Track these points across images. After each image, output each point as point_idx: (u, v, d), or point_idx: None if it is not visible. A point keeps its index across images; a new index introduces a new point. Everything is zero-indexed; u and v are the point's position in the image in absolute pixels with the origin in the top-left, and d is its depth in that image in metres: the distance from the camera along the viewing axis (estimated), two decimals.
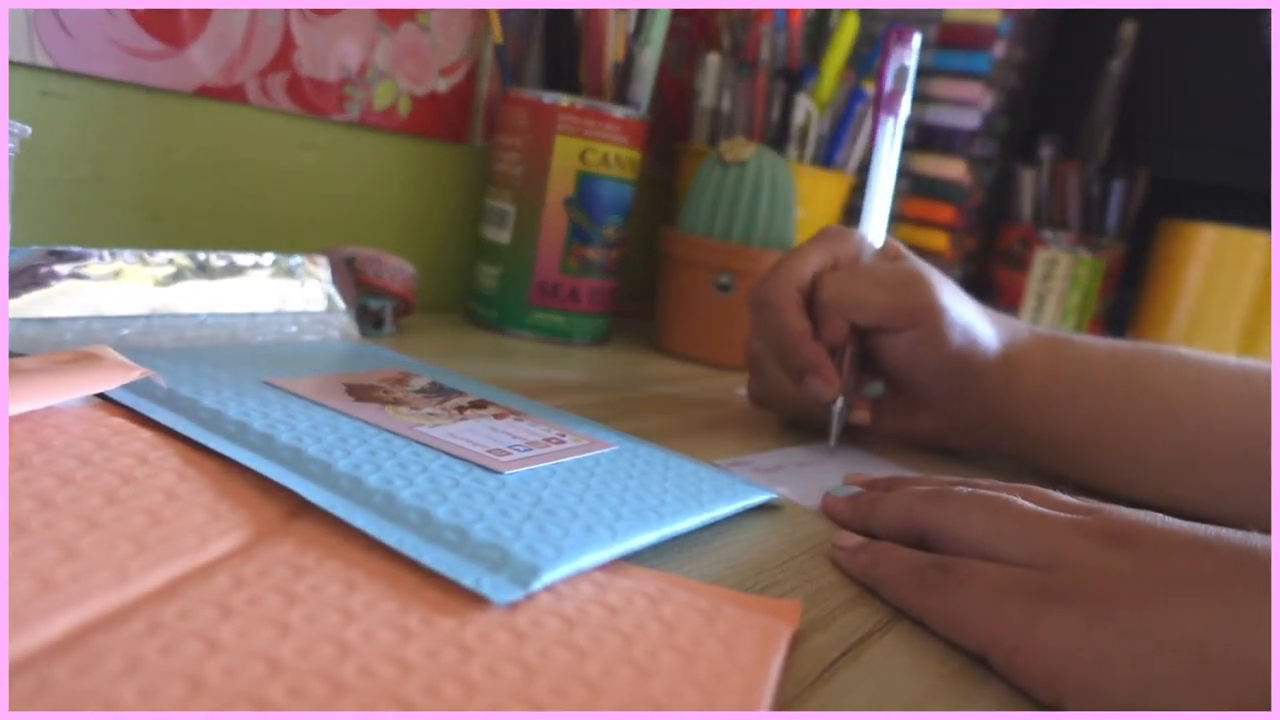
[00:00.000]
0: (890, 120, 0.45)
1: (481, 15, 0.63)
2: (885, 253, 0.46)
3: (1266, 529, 0.25)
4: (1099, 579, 0.24)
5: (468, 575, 0.22)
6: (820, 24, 0.73)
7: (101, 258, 0.37)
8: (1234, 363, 0.44)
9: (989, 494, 0.29)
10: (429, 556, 0.23)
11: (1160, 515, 0.27)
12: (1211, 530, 0.25)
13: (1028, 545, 0.27)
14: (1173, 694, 0.21)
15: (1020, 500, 0.29)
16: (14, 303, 0.34)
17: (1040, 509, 0.28)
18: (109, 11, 0.45)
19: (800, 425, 0.48)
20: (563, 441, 0.34)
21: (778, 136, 0.71)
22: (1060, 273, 0.86)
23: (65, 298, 0.35)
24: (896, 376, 0.45)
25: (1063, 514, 0.28)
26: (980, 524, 0.28)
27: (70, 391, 0.26)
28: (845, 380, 0.43)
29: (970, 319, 0.43)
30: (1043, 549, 0.26)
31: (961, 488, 0.31)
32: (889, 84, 0.45)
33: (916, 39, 0.45)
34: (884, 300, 0.42)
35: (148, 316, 0.38)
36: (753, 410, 0.51)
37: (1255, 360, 0.44)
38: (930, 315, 0.42)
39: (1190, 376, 0.43)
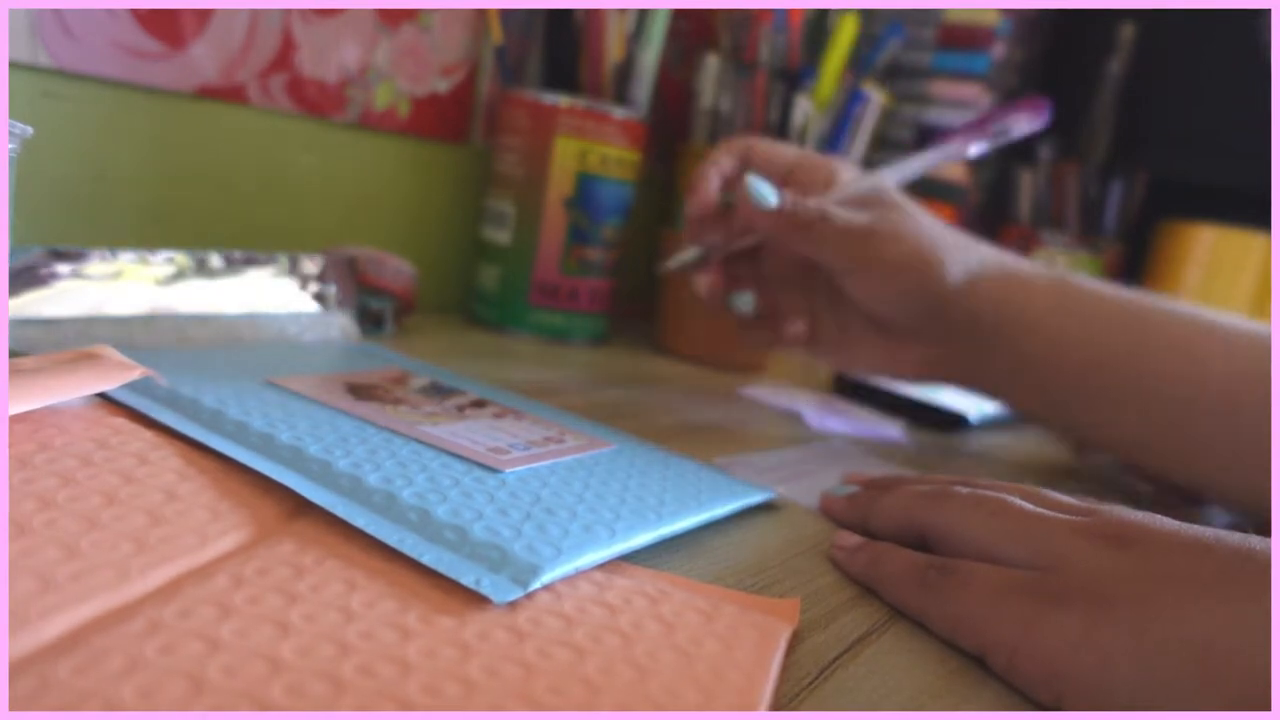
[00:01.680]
0: (972, 146, 0.48)
1: (481, 15, 0.63)
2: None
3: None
4: (1098, 579, 0.24)
5: (467, 574, 0.22)
6: (820, 24, 0.73)
7: (102, 257, 0.37)
8: (1241, 330, 0.43)
9: (988, 494, 0.29)
10: (429, 556, 0.23)
11: (1159, 516, 0.27)
12: (1210, 531, 0.25)
13: (1027, 546, 0.27)
14: (1173, 694, 0.22)
15: (1019, 501, 0.29)
16: (14, 303, 0.34)
17: (1039, 510, 0.28)
18: (110, 12, 0.46)
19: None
20: (562, 441, 0.34)
21: (777, 137, 0.71)
22: None
23: (66, 298, 0.35)
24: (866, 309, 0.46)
25: (1062, 515, 0.28)
26: (979, 525, 0.28)
27: (71, 391, 0.26)
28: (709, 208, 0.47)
29: (930, 231, 0.45)
30: (1042, 550, 0.26)
31: (960, 488, 0.31)
32: (990, 138, 0.48)
33: (1042, 120, 0.48)
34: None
35: (148, 316, 0.38)
36: (753, 409, 0.51)
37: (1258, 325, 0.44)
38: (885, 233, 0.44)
39: (1204, 340, 0.43)
